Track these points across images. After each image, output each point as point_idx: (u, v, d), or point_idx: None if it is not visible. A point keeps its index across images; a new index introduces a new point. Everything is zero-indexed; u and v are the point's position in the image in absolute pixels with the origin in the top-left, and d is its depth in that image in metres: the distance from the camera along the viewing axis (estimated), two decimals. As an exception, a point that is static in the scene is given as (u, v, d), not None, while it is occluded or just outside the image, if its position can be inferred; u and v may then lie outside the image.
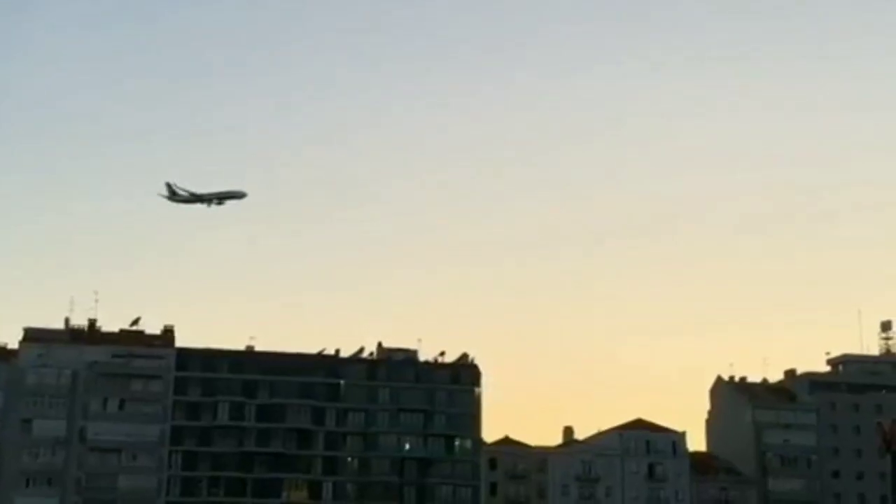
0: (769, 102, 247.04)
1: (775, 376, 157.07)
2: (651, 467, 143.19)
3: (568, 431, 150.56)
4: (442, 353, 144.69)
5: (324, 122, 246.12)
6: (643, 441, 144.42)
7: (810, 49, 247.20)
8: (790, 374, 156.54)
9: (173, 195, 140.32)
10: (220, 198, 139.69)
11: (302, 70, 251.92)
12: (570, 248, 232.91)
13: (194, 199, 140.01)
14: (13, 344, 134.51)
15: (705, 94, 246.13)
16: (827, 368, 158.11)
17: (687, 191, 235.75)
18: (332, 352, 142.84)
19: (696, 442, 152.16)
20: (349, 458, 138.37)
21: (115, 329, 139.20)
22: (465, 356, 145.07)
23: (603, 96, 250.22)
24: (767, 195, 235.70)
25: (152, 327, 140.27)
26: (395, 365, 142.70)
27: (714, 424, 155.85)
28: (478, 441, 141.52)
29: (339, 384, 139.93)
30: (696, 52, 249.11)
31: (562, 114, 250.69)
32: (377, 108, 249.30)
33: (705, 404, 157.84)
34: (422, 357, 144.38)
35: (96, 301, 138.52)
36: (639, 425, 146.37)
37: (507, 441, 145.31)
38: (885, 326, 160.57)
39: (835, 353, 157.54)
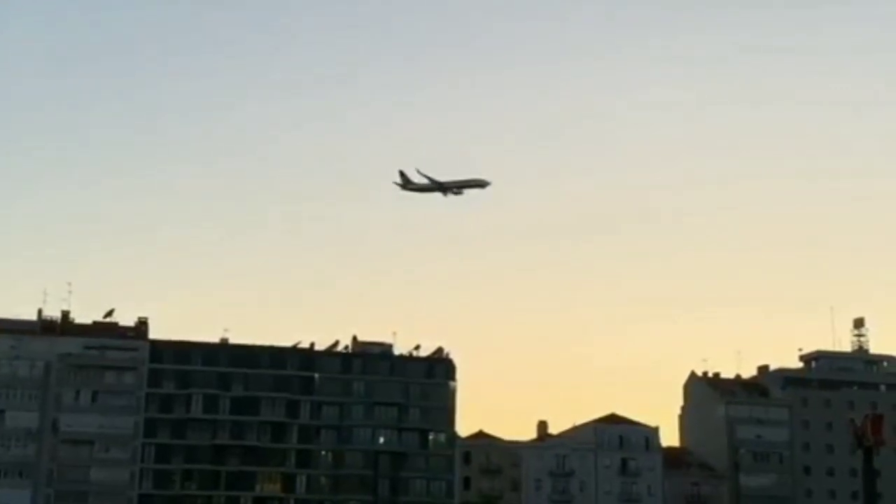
0: (748, 97, 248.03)
1: (748, 372, 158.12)
2: (624, 462, 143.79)
3: (542, 426, 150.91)
4: (417, 347, 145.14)
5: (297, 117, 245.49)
6: (616, 436, 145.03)
7: (802, 41, 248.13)
8: (763, 369, 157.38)
9: (407, 183, 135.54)
10: (461, 186, 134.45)
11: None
12: (544, 243, 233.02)
13: (433, 187, 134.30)
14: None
15: (684, 87, 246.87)
16: (799, 364, 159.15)
17: (661, 185, 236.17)
18: (306, 345, 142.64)
19: (669, 437, 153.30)
20: (323, 452, 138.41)
21: (89, 321, 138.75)
22: (439, 350, 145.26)
23: (583, 91, 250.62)
24: (741, 191, 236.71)
25: (126, 319, 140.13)
26: (369, 358, 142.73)
27: (687, 419, 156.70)
28: (452, 435, 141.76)
29: (313, 377, 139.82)
30: (689, 48, 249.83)
31: (536, 110, 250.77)
32: (363, 106, 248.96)
33: (678, 399, 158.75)
34: (396, 351, 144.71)
35: (69, 293, 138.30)
36: (612, 420, 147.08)
37: (481, 435, 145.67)
38: (858, 323, 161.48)
39: (807, 350, 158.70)
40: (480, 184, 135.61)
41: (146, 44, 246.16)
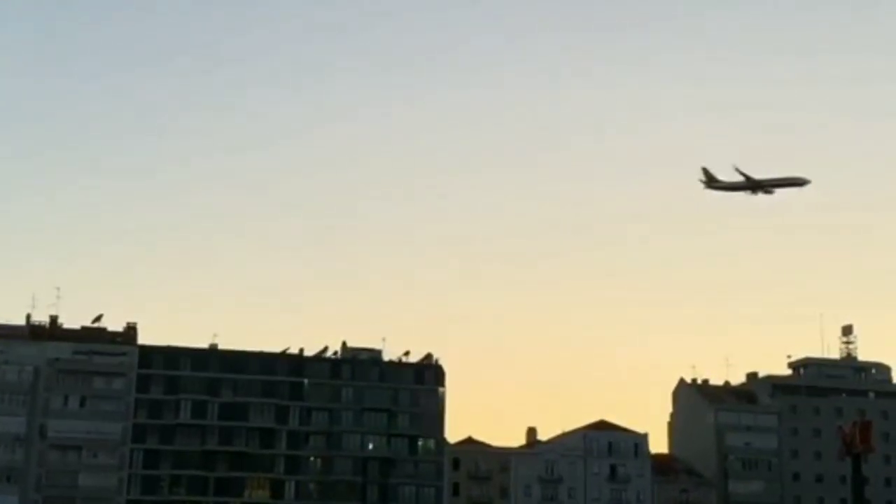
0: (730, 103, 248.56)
1: (737, 379, 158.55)
2: (613, 468, 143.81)
3: (531, 432, 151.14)
4: (406, 353, 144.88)
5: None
6: (606, 442, 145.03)
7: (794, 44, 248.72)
8: (752, 376, 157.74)
9: (713, 181, 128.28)
10: (778, 185, 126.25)
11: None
12: (534, 251, 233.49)
13: (744, 185, 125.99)
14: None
15: (667, 95, 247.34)
16: (788, 372, 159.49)
17: (650, 193, 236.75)
18: (295, 350, 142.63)
19: (659, 444, 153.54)
20: (312, 458, 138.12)
21: (77, 326, 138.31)
22: (429, 356, 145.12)
23: (578, 99, 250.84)
24: (731, 197, 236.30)
25: (115, 324, 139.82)
26: (359, 364, 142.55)
27: (676, 426, 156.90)
28: (441, 441, 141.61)
29: (302, 383, 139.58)
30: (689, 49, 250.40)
31: (531, 117, 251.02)
32: (351, 114, 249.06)
33: (668, 406, 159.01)
34: (386, 357, 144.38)
35: (58, 297, 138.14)
36: (601, 426, 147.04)
37: (470, 441, 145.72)
38: (846, 330, 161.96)
39: (796, 357, 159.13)
40: (799, 182, 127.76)
41: (143, 43, 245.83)
